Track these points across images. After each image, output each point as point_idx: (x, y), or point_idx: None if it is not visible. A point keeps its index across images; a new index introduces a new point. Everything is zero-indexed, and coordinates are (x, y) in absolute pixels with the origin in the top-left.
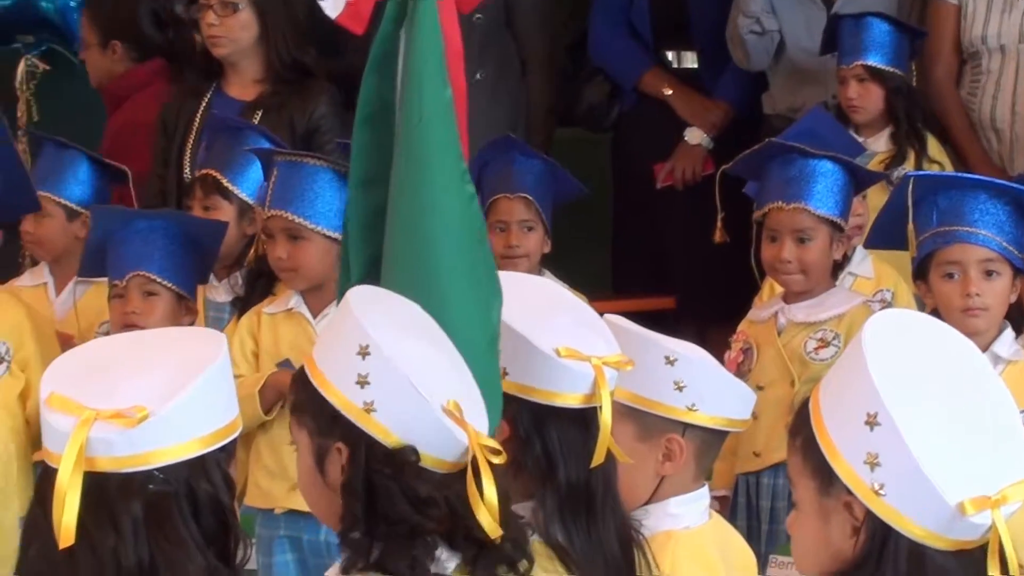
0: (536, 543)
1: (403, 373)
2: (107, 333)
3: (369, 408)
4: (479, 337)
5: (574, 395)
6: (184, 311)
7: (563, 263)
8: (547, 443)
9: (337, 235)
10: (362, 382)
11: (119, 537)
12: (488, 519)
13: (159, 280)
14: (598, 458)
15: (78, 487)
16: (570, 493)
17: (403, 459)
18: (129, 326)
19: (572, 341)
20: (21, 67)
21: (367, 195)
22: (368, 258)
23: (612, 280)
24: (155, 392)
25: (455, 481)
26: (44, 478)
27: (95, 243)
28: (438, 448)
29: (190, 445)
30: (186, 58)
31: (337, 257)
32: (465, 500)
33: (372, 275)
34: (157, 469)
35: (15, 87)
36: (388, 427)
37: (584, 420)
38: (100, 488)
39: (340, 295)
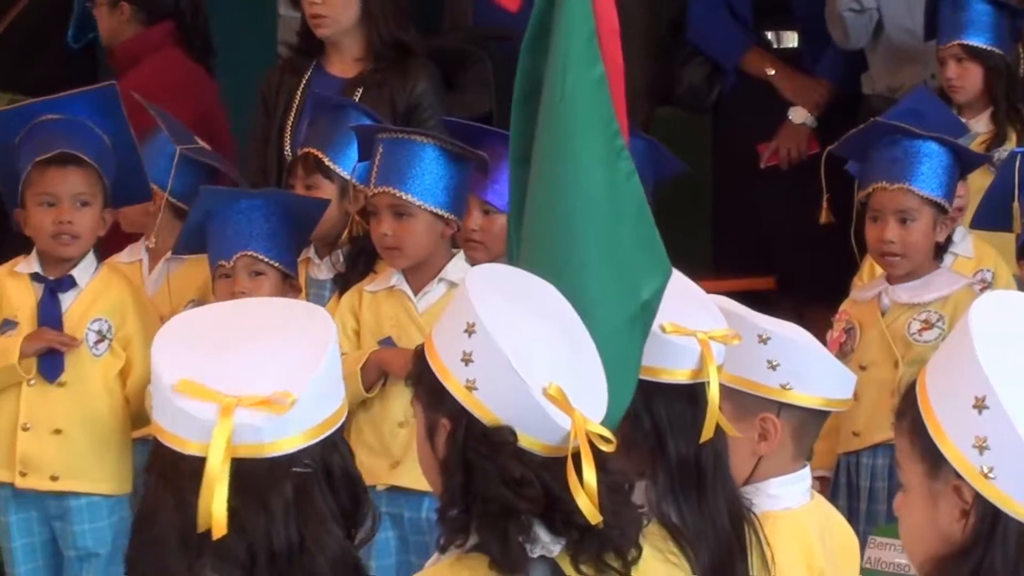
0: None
1: (504, 353)
2: None
3: (471, 386)
4: (616, 316)
5: (681, 371)
6: (288, 289)
7: (664, 242)
8: (656, 419)
9: (442, 211)
10: (466, 359)
11: (271, 520)
12: (587, 504)
13: (266, 259)
14: (707, 433)
15: (227, 476)
16: (680, 469)
17: (500, 439)
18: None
19: (677, 317)
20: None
21: (525, 173)
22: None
23: (712, 259)
24: (291, 374)
25: (557, 464)
26: (166, 461)
27: (196, 222)
28: (537, 431)
29: (327, 423)
30: (193, 22)
31: (440, 235)
32: (565, 484)
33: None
34: (301, 450)
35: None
36: (488, 406)
37: (692, 395)
38: (249, 474)
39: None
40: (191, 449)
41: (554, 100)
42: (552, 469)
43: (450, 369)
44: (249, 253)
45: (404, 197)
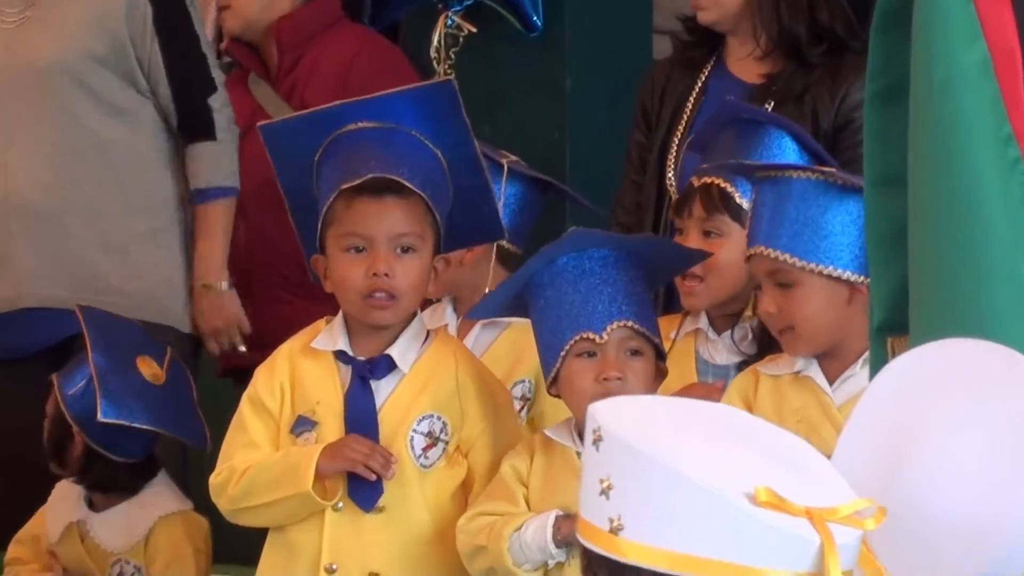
0: None
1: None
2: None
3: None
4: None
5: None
6: (658, 374)
7: None
8: None
9: (848, 274)
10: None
11: None
12: None
13: (644, 331)
14: None
15: None
16: None
17: None
18: (608, 394)
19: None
20: (439, 29)
21: (888, 197)
22: (895, 280)
23: None
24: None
25: None
26: None
27: (525, 276)
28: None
29: None
30: None
31: (847, 301)
32: None
33: (901, 301)
34: None
35: (429, 55)
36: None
37: None
38: None
39: (873, 335)
40: None
41: (924, 92)
42: None
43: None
44: (627, 324)
45: (784, 259)
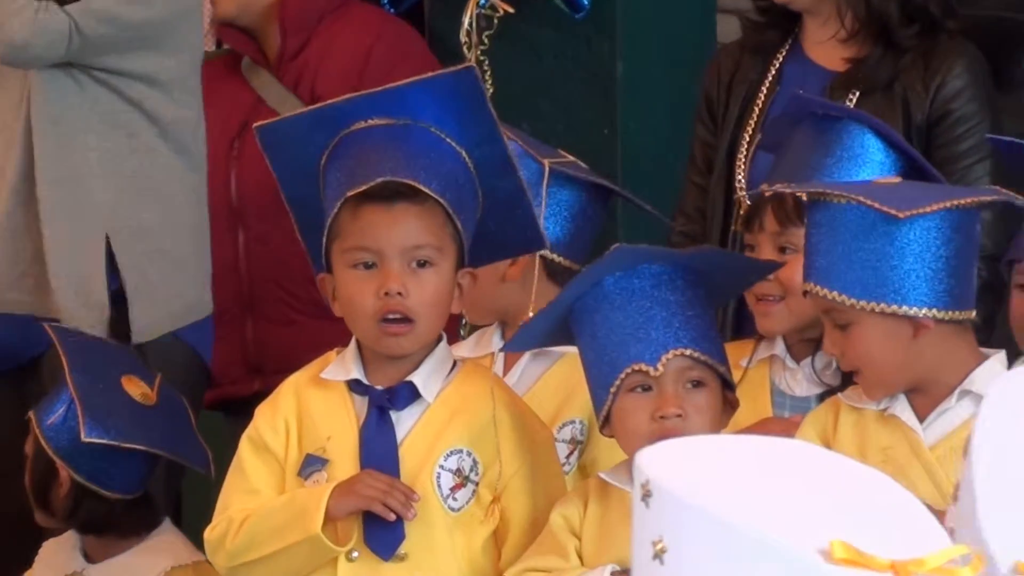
0: None
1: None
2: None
3: None
4: None
5: None
6: (728, 407)
7: None
8: None
9: (907, 309)
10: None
11: None
12: None
13: (706, 358)
14: None
15: None
16: None
17: None
18: (670, 432)
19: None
20: (470, 9)
21: None
22: None
23: None
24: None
25: None
26: None
27: (567, 301)
28: None
29: None
30: None
31: (911, 336)
32: None
33: None
34: None
35: (459, 40)
36: None
37: None
38: None
39: None
40: None
41: None
42: None
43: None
44: (685, 352)
45: (833, 297)
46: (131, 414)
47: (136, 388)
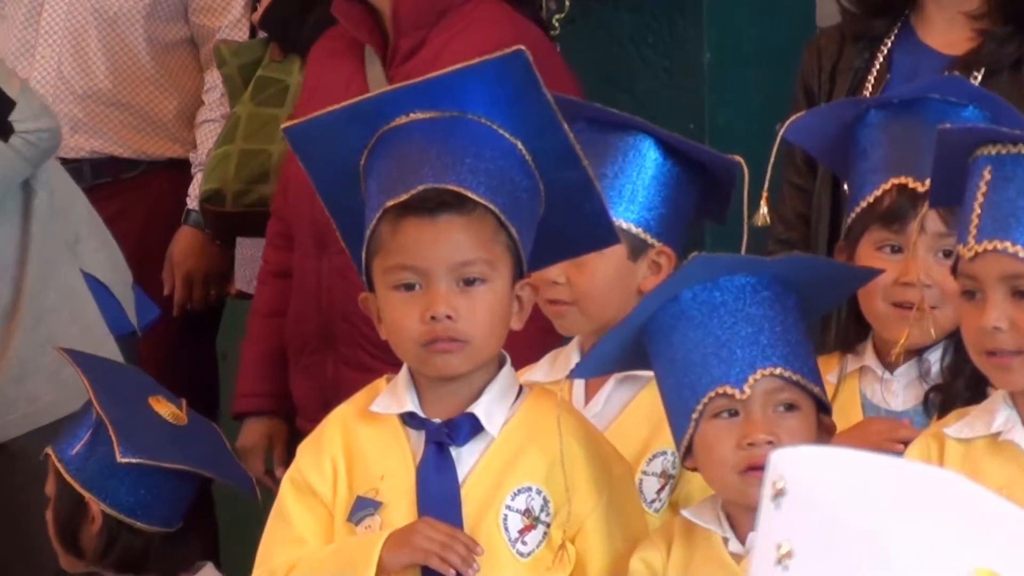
0: None
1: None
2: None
3: None
4: None
5: None
6: (824, 432)
7: None
8: None
9: None
10: None
11: None
12: None
13: (798, 378)
14: None
15: None
16: None
17: None
18: (760, 461)
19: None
20: None
21: None
22: None
23: None
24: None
25: None
26: None
27: (640, 318)
28: None
29: None
30: None
31: None
32: None
33: None
34: None
35: None
36: None
37: None
38: None
39: None
40: None
41: None
42: None
43: None
44: (776, 371)
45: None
46: (165, 433)
47: (165, 408)
